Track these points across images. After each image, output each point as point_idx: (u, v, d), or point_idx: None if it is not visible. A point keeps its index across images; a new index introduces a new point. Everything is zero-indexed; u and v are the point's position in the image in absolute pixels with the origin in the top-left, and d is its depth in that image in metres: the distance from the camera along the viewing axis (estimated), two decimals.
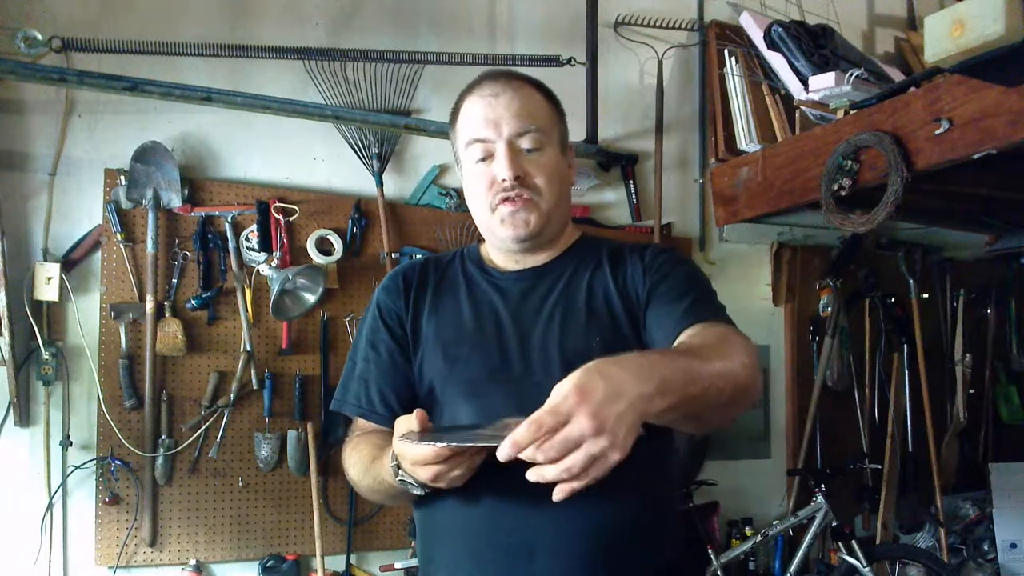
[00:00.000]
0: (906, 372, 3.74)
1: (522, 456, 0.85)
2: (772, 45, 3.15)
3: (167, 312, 2.58)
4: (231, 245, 2.64)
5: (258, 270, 2.67)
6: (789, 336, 3.61)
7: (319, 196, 2.83)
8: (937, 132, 2.34)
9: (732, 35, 3.37)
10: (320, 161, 2.88)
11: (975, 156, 2.29)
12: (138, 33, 2.56)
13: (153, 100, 2.55)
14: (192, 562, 2.58)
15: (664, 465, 1.26)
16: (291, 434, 2.69)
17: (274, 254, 2.67)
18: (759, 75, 3.28)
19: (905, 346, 3.73)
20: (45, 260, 2.50)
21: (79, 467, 2.50)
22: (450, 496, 1.16)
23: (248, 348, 2.64)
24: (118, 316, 2.55)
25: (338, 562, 2.77)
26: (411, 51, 2.91)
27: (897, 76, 3.29)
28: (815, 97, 2.86)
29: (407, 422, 1.07)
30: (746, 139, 3.20)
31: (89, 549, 2.51)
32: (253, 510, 2.69)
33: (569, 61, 3.02)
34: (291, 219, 2.75)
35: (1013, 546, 3.73)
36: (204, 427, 2.62)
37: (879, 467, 3.58)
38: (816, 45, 3.10)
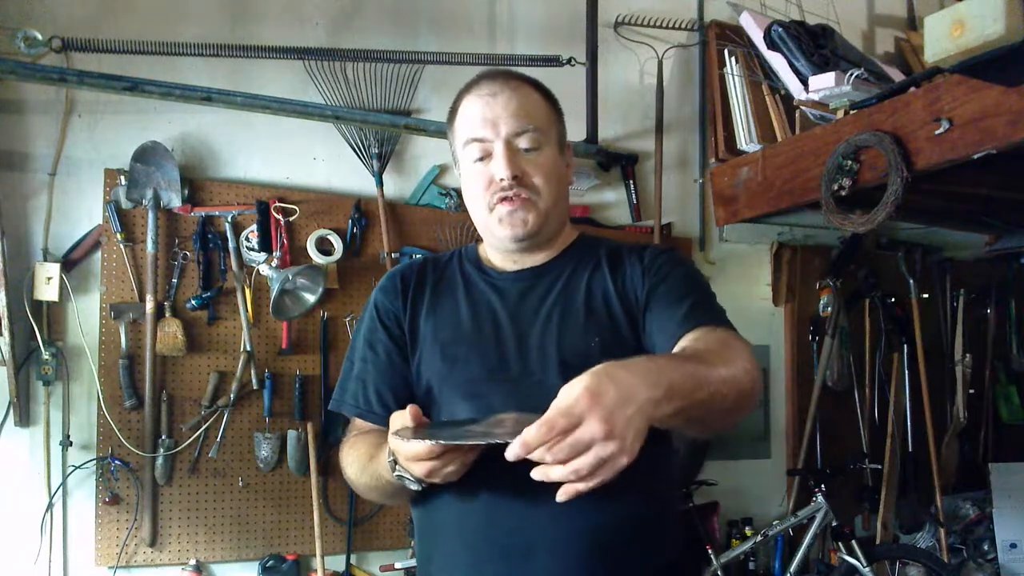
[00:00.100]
0: (906, 372, 3.74)
1: (531, 456, 0.86)
2: (772, 45, 3.15)
3: (167, 312, 2.58)
4: (231, 245, 2.64)
5: (258, 270, 2.67)
6: (789, 336, 3.61)
7: (319, 196, 2.83)
8: (937, 132, 2.34)
9: (732, 35, 3.37)
10: (320, 161, 2.88)
11: (975, 156, 2.29)
12: (138, 33, 2.56)
13: (153, 100, 2.55)
14: (192, 562, 2.58)
15: (663, 465, 1.26)
16: (291, 434, 2.69)
17: (274, 254, 2.67)
18: (759, 75, 3.28)
19: (905, 346, 3.73)
20: (45, 260, 2.50)
21: (79, 467, 2.50)
22: (448, 495, 1.16)
23: (248, 348, 2.64)
24: (118, 316, 2.55)
25: (338, 562, 2.77)
26: (411, 51, 2.92)
27: (897, 76, 3.29)
28: (815, 97, 2.86)
29: (401, 418, 1.08)
30: (746, 139, 3.20)
31: (89, 549, 2.52)
32: (253, 510, 2.69)
33: (569, 61, 3.02)
34: (291, 219, 2.75)
35: (1013, 546, 3.73)
36: (204, 427, 2.62)
37: (879, 467, 3.58)
38: (816, 45, 3.11)
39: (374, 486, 1.22)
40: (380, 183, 2.86)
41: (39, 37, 2.42)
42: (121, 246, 2.57)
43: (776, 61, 3.17)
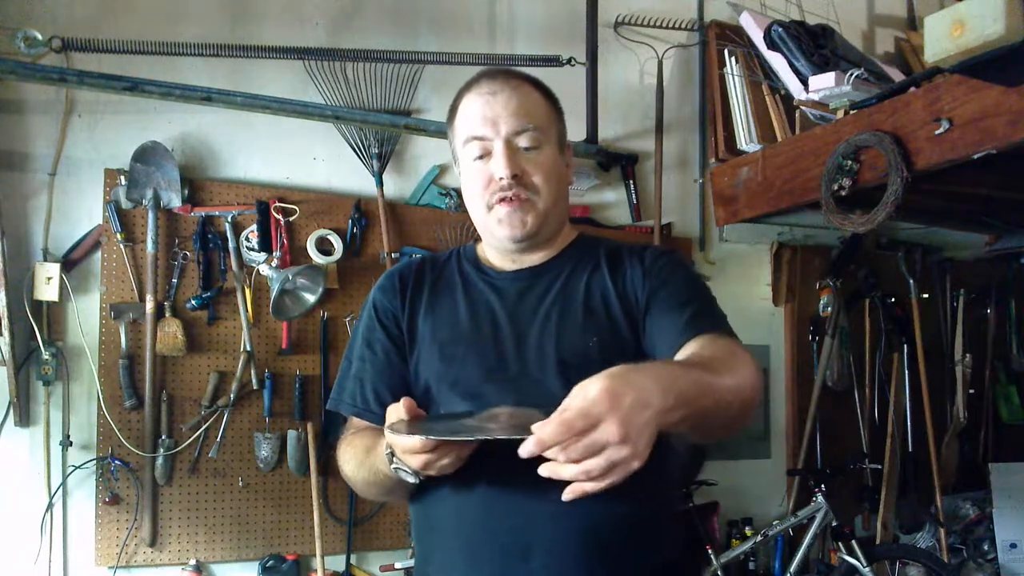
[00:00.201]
0: (906, 372, 3.74)
1: (545, 454, 0.86)
2: (772, 45, 3.15)
3: (167, 312, 2.58)
4: (231, 245, 2.64)
5: (258, 270, 2.67)
6: (789, 336, 3.61)
7: (319, 196, 2.83)
8: (937, 132, 2.35)
9: (732, 35, 3.37)
10: (320, 161, 2.88)
11: (975, 156, 2.29)
12: (138, 33, 2.56)
13: (153, 100, 2.55)
14: (192, 562, 2.58)
15: (663, 465, 1.26)
16: (291, 434, 2.69)
17: (274, 254, 2.67)
18: (759, 75, 3.28)
19: (905, 346, 3.74)
20: (45, 260, 2.50)
21: (79, 467, 2.50)
22: (446, 494, 1.16)
23: (248, 348, 2.64)
24: (118, 316, 2.55)
25: (338, 562, 2.77)
26: (411, 51, 2.92)
27: (897, 76, 3.29)
28: (815, 97, 2.86)
29: (396, 411, 1.08)
30: (746, 139, 3.21)
31: (89, 549, 2.52)
32: (253, 510, 2.69)
33: (569, 61, 3.02)
34: (291, 219, 2.75)
35: (1013, 546, 3.73)
36: (204, 427, 2.62)
37: (879, 467, 3.58)
38: (816, 45, 3.11)
39: (372, 480, 1.21)
40: (380, 183, 2.86)
41: (39, 37, 2.42)
42: (121, 246, 2.57)
43: (776, 61, 3.17)
